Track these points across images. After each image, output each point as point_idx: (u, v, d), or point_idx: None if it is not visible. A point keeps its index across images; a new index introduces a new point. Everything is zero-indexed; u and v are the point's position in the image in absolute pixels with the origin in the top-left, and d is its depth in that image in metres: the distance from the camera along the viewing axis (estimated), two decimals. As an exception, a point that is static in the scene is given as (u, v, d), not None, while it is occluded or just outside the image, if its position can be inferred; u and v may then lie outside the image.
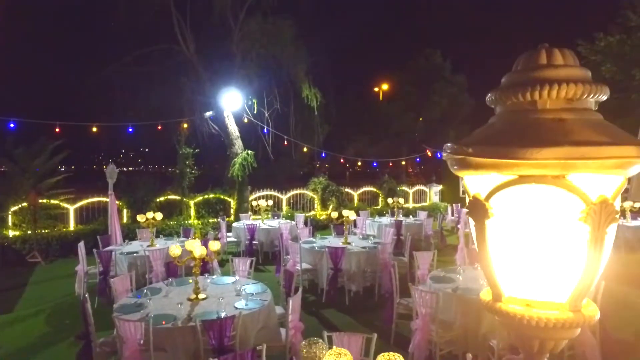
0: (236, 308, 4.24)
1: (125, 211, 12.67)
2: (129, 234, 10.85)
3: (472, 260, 6.51)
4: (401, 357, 1.78)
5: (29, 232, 10.69)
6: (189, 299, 4.53)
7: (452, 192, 21.25)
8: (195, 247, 4.46)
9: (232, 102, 14.19)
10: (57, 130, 10.66)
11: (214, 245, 4.74)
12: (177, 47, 14.28)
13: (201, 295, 4.59)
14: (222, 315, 3.98)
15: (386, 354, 1.80)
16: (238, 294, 4.70)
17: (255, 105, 15.04)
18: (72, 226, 11.99)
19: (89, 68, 14.76)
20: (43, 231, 10.98)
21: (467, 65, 22.30)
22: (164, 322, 3.86)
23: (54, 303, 7.15)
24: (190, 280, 4.90)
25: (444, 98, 21.42)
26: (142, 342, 3.63)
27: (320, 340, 1.99)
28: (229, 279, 5.36)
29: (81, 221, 12.32)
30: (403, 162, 22.61)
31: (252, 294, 4.71)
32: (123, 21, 13.39)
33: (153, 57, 14.16)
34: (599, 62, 11.81)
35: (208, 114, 14.82)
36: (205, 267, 7.18)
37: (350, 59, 23.31)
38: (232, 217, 13.86)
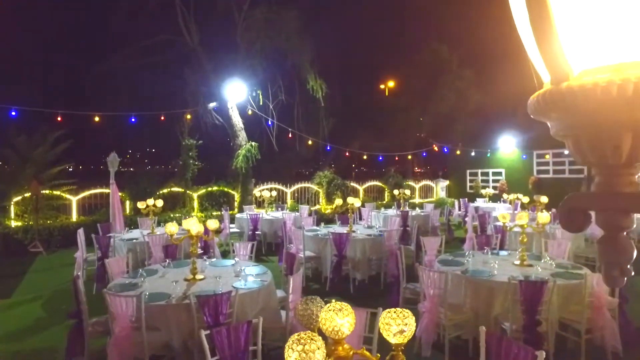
0: (234, 287, 4.04)
1: (127, 202, 12.56)
2: (131, 225, 10.72)
3: (481, 247, 6.27)
4: (409, 312, 1.57)
5: (31, 222, 10.60)
6: (186, 279, 4.34)
7: (459, 187, 20.98)
8: (192, 224, 4.27)
9: (236, 93, 14.03)
10: (58, 119, 10.53)
11: (213, 224, 4.55)
12: (181, 38, 14.15)
13: (198, 276, 4.40)
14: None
15: (393, 310, 1.59)
16: (237, 275, 4.51)
17: (260, 96, 14.86)
18: (74, 217, 11.90)
19: (92, 58, 14.68)
20: (46, 222, 10.89)
21: (475, 58, 21.85)
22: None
23: (52, 290, 7.02)
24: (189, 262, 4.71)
25: (451, 92, 21.08)
26: (133, 319, 3.45)
27: (318, 297, 1.79)
28: (228, 262, 5.17)
29: (83, 214, 12.23)
30: (409, 157, 22.31)
31: (252, 275, 4.52)
32: (127, 11, 13.28)
33: (156, 48, 14.05)
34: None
35: (212, 105, 14.67)
36: (206, 252, 7.02)
37: (355, 52, 22.94)
38: (235, 211, 13.70)
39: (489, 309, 4.19)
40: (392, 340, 1.55)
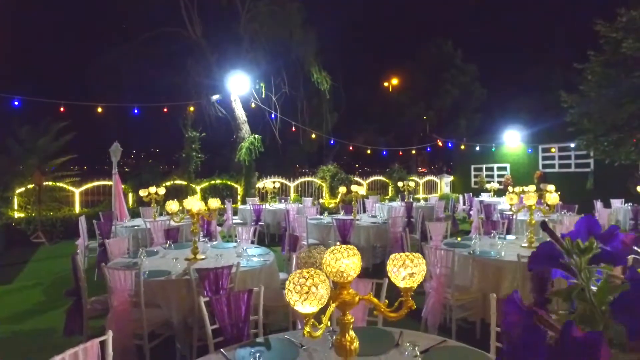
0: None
1: (130, 195, 12.52)
2: (134, 216, 10.68)
3: (487, 232, 6.15)
4: (419, 255, 1.47)
5: (34, 213, 10.57)
6: (187, 259, 4.26)
7: (464, 183, 20.80)
8: (193, 203, 4.19)
9: (239, 85, 13.95)
10: (61, 109, 10.48)
11: (214, 203, 4.47)
12: (184, 31, 14.08)
13: (199, 256, 4.32)
14: (221, 271, 3.70)
15: (401, 253, 1.49)
16: (239, 255, 4.42)
17: (263, 89, 14.77)
18: (77, 209, 11.87)
19: (95, 50, 14.64)
20: (48, 213, 10.86)
21: (479, 53, 21.70)
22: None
23: (53, 277, 6.98)
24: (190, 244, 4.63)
25: (455, 87, 20.95)
26: (132, 293, 3.36)
27: (322, 245, 1.70)
28: (230, 244, 5.09)
29: (86, 206, 12.20)
30: (413, 152, 22.18)
31: (254, 255, 4.43)
32: (130, 3, 13.24)
33: (160, 40, 13.99)
34: (620, 40, 11.33)
35: (215, 97, 14.60)
36: (208, 236, 6.95)
37: (359, 46, 22.85)
38: (238, 204, 13.62)
39: (497, 289, 4.07)
40: (401, 284, 1.45)
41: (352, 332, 1.48)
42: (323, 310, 1.39)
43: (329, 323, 1.35)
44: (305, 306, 1.25)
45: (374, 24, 24.53)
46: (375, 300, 1.49)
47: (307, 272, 1.29)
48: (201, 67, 14.25)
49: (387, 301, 1.49)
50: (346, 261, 1.39)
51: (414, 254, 1.47)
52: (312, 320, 1.31)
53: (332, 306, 1.41)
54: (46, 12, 16.52)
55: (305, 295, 1.23)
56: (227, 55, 14.21)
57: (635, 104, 11.41)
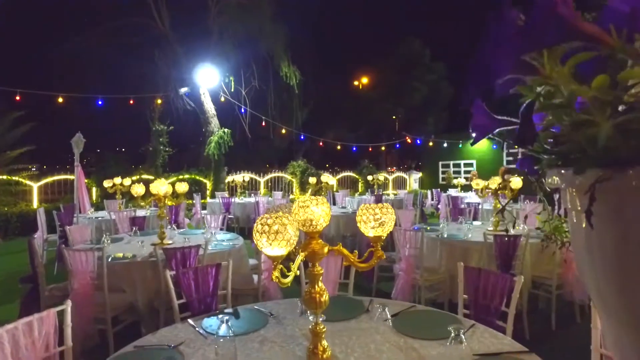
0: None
1: (94, 189, 12.05)
2: (98, 210, 10.28)
3: (454, 218, 6.30)
4: (389, 205, 1.48)
5: (-14, 208, 10.00)
6: (153, 244, 4.12)
7: (432, 179, 21.25)
8: (160, 186, 4.06)
9: (208, 78, 13.69)
10: (17, 98, 9.93)
11: (182, 187, 4.35)
12: (151, 22, 13.67)
13: (166, 241, 4.19)
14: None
15: (370, 204, 1.49)
16: (208, 241, 4.32)
17: (233, 83, 14.55)
18: (35, 204, 11.29)
19: (56, 36, 13.95)
20: (2, 208, 10.28)
21: (447, 52, 22.28)
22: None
23: (7, 273, 6.58)
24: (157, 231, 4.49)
25: (424, 85, 21.40)
26: (94, 275, 3.22)
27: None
28: (199, 230, 4.98)
29: (46, 201, 11.63)
30: (383, 148, 22.47)
31: (223, 240, 4.35)
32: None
33: (126, 31, 13.46)
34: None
35: (183, 90, 14.26)
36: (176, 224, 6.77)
37: (330, 43, 22.92)
38: (207, 199, 13.37)
39: (464, 268, 4.17)
40: (370, 232, 1.45)
41: (321, 284, 1.47)
42: (292, 260, 1.37)
43: (297, 272, 1.33)
44: (274, 248, 1.23)
45: (344, 21, 24.68)
46: (345, 250, 1.48)
47: (275, 215, 1.26)
48: (169, 59, 13.88)
49: (356, 252, 1.48)
50: (315, 209, 1.37)
51: (383, 204, 1.48)
52: (281, 266, 1.29)
53: (302, 255, 1.39)
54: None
55: (274, 236, 1.21)
56: (196, 47, 13.91)
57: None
